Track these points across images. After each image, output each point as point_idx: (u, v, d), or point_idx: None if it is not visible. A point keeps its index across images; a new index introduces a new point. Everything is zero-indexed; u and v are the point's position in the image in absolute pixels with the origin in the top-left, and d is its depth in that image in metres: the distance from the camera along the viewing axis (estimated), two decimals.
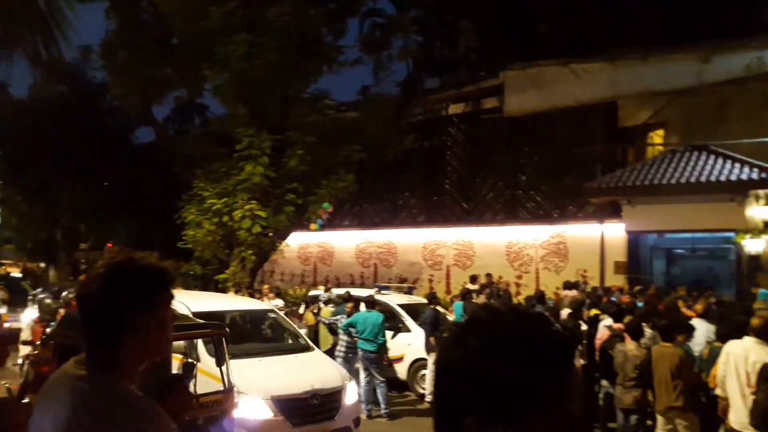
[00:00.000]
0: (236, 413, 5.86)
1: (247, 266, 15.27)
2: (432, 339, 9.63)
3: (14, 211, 25.88)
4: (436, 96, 19.75)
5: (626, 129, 16.90)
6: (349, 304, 10.14)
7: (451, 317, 11.30)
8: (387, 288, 14.50)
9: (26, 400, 4.70)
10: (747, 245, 12.89)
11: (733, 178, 13.01)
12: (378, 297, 10.75)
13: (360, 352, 9.49)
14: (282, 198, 14.91)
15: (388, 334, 10.13)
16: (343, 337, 9.82)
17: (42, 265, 28.15)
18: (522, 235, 17.63)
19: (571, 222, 16.77)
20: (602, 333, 8.20)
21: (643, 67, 14.57)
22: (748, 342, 5.80)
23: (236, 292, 13.27)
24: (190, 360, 5.99)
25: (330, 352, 9.63)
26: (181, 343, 6.34)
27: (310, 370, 7.56)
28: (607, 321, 8.44)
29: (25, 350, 8.90)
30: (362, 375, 9.45)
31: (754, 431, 5.57)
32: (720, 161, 13.67)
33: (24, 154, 23.23)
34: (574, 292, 12.08)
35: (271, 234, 15.63)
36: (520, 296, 16.18)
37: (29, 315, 12.04)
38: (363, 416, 8.58)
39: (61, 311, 8.64)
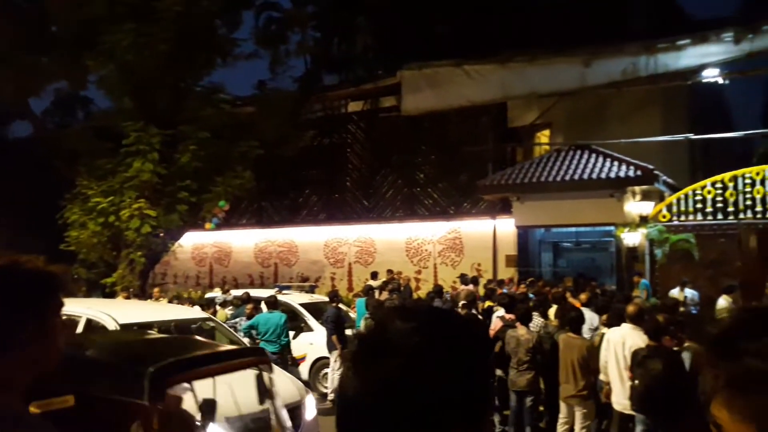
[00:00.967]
0: None
1: (137, 269, 14.49)
2: (334, 337, 9.59)
3: None
4: (336, 93, 19.71)
5: (515, 129, 17.76)
6: (249, 306, 9.87)
7: (353, 315, 11.32)
8: (288, 288, 14.28)
9: None
10: (625, 238, 13.90)
11: (612, 175, 13.98)
12: (279, 297, 10.55)
13: None
14: (174, 196, 14.28)
15: (290, 334, 9.98)
16: (244, 340, 9.54)
17: None
18: (420, 231, 18.01)
19: (466, 218, 17.34)
20: (495, 323, 8.52)
21: (530, 69, 15.30)
22: (626, 329, 6.24)
23: (125, 297, 12.54)
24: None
25: None
26: None
27: None
28: (499, 312, 8.78)
29: None
30: None
31: (628, 410, 6.02)
32: (601, 160, 14.65)
33: None
34: (470, 287, 12.46)
35: (162, 234, 14.94)
36: (420, 291, 16.55)
37: None
38: None
39: None
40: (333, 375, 9.51)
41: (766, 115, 20.97)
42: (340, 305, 10.78)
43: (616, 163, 14.29)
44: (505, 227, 16.26)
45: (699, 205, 13.81)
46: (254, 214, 21.11)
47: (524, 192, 15.05)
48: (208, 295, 13.90)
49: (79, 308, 6.89)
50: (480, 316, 9.20)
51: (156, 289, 14.24)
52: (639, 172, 13.75)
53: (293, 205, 20.42)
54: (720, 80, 15.16)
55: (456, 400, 0.83)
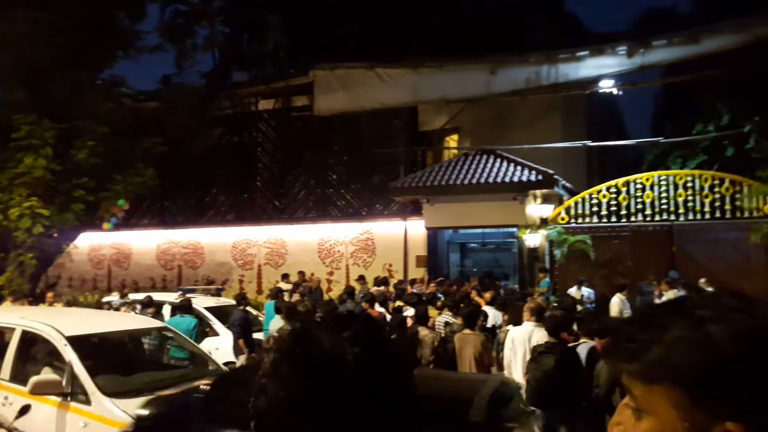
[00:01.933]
0: None
1: (27, 271, 13.50)
2: (241, 341, 9.35)
3: None
4: (246, 90, 19.26)
5: (426, 133, 18.12)
6: (150, 310, 9.44)
7: (262, 318, 11.09)
8: (193, 291, 13.77)
9: None
10: (527, 239, 14.51)
11: (515, 179, 14.55)
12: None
13: (171, 361, 8.86)
14: (69, 194, 13.42)
15: None
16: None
17: None
18: (333, 232, 17.95)
19: (378, 219, 17.47)
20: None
21: (440, 75, 15.65)
22: (529, 326, 6.50)
23: (14, 301, 11.62)
24: None
25: None
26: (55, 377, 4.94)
27: None
28: (409, 311, 8.91)
29: None
30: None
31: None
32: (505, 164, 15.21)
33: None
34: (382, 288, 12.56)
35: (55, 235, 13.98)
36: (332, 292, 16.48)
37: None
38: None
39: None
40: None
41: (655, 125, 22.58)
42: (248, 308, 10.54)
43: (519, 167, 14.89)
44: (416, 228, 16.52)
45: (595, 208, 14.64)
46: (157, 213, 20.21)
47: (434, 194, 15.36)
48: (105, 299, 13.16)
49: (11, 318, 5.92)
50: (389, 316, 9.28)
51: (50, 293, 13.32)
52: (540, 177, 14.39)
53: (199, 205, 19.72)
54: (614, 91, 16.17)
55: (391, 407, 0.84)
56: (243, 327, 9.38)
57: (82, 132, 13.55)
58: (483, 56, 15.20)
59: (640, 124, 44.92)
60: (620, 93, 16.95)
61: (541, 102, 16.29)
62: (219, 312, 10.93)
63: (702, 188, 13.84)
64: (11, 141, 13.01)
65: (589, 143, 16.76)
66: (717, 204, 13.65)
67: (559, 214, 14.89)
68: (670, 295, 11.31)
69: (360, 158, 17.59)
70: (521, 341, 6.40)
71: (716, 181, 13.81)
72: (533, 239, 14.40)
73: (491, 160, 15.57)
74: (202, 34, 18.49)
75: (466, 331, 6.86)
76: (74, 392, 4.93)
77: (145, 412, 4.69)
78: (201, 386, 5.34)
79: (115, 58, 15.20)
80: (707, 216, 13.71)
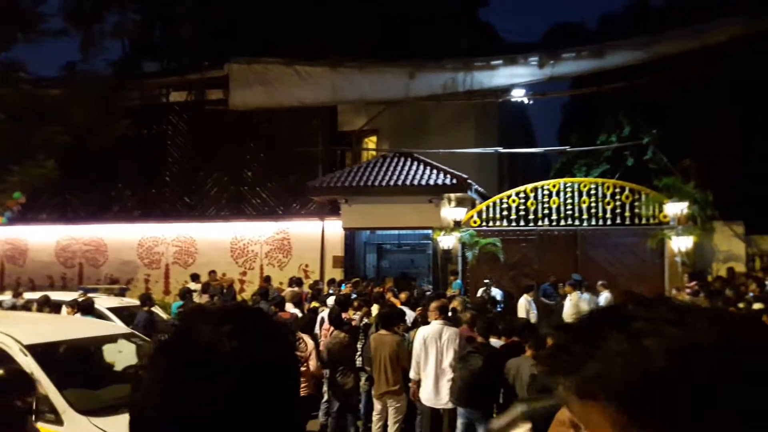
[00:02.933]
0: None
1: None
2: None
3: None
4: (157, 81, 18.45)
5: (345, 133, 18.10)
6: (47, 310, 8.83)
7: (168, 319, 10.66)
8: (95, 290, 13.03)
9: None
10: (441, 241, 14.81)
11: (431, 182, 14.82)
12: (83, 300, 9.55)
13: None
14: None
15: None
16: None
17: None
18: (247, 231, 17.54)
19: (295, 219, 17.25)
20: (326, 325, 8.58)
21: (359, 76, 15.69)
22: (437, 325, 6.61)
23: None
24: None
25: None
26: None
27: None
28: (325, 312, 8.86)
29: None
30: None
31: (445, 404, 6.37)
32: (422, 167, 15.46)
33: None
34: (296, 289, 12.41)
35: None
36: (244, 293, 16.10)
37: None
38: None
39: None
40: None
41: (562, 134, 23.71)
42: (154, 309, 10.10)
43: (435, 171, 15.18)
44: (333, 229, 16.46)
45: (505, 213, 15.16)
46: (57, 208, 18.95)
47: (352, 195, 15.37)
48: None
49: None
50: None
51: None
52: (455, 181, 14.73)
53: (103, 200, 18.65)
54: (525, 100, 16.85)
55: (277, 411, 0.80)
56: (148, 329, 8.96)
57: None
58: (402, 60, 15.38)
59: (548, 133, 47.00)
60: (531, 102, 17.67)
61: (456, 108, 16.70)
62: (122, 313, 10.37)
63: (604, 195, 14.66)
64: None
65: (501, 150, 17.36)
66: (618, 211, 14.50)
67: (472, 217, 15.31)
68: (573, 297, 11.90)
69: (277, 156, 17.30)
70: (432, 340, 6.47)
71: (617, 190, 14.68)
72: (447, 241, 14.72)
73: (409, 163, 15.77)
74: (111, 20, 17.54)
75: (383, 331, 6.89)
76: (39, 410, 4.12)
77: None
78: None
79: (12, 40, 14.15)
80: (608, 222, 14.54)
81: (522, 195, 15.15)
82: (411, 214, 14.96)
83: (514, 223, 15.05)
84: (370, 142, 18.59)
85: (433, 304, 6.89)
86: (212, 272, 15.39)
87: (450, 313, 8.16)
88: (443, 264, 15.20)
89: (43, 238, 18.76)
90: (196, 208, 18.21)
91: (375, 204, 15.16)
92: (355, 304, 9.03)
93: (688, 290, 11.81)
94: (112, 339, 6.17)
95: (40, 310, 9.07)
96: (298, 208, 17.37)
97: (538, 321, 11.20)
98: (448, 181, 14.74)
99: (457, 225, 14.98)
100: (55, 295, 10.18)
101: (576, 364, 0.70)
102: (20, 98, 13.44)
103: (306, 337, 7.34)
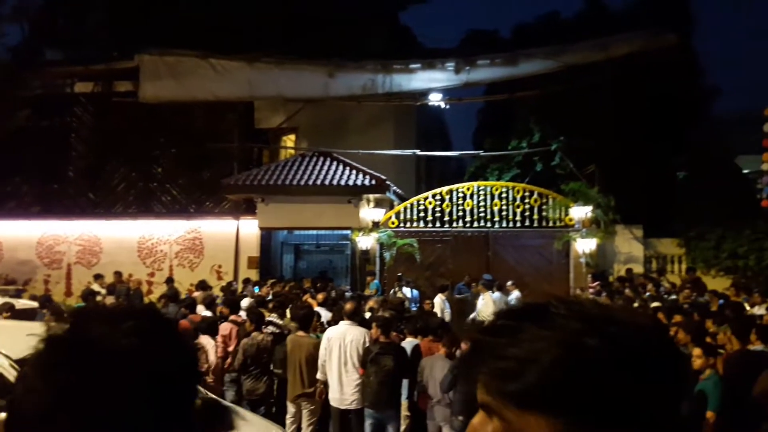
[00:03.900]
0: None
1: None
2: None
3: None
4: (60, 70, 17.33)
5: (262, 130, 17.74)
6: None
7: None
8: None
9: None
10: (360, 242, 14.84)
11: (350, 183, 14.82)
12: None
13: None
14: None
15: None
16: None
17: None
18: (156, 229, 16.81)
19: (208, 217, 16.73)
20: (226, 329, 8.36)
21: (278, 72, 15.45)
22: (344, 326, 6.60)
23: None
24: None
25: None
26: None
27: None
28: (243, 314, 8.64)
29: None
30: None
31: (350, 405, 6.34)
32: (341, 167, 15.44)
33: None
34: (210, 292, 12.04)
35: None
36: (152, 295, 15.43)
37: None
38: None
39: None
40: None
41: (476, 139, 24.36)
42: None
43: (354, 171, 15.19)
44: (249, 228, 16.10)
45: (422, 214, 15.41)
46: None
47: (269, 194, 15.10)
48: None
49: None
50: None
51: None
52: (374, 182, 14.81)
53: None
54: (442, 104, 17.20)
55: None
56: None
57: None
58: (322, 58, 15.29)
59: (464, 137, 48.21)
60: (447, 107, 18.06)
61: (375, 109, 16.80)
62: (19, 316, 9.68)
63: (515, 199, 15.21)
64: None
65: (419, 152, 17.63)
66: (527, 214, 15.09)
67: (390, 218, 15.45)
68: (486, 296, 12.26)
69: (190, 152, 16.71)
70: (336, 340, 6.43)
71: (527, 193, 15.27)
72: (365, 242, 14.77)
73: (328, 163, 15.70)
74: (9, 3, 16.33)
75: (300, 333, 6.80)
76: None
77: None
78: None
79: None
80: (518, 224, 15.10)
81: (438, 197, 15.45)
82: (329, 214, 14.90)
83: (430, 225, 15.32)
84: (289, 140, 18.34)
85: (346, 306, 6.90)
86: (118, 273, 14.68)
87: (369, 314, 8.20)
88: (361, 264, 15.24)
89: None
90: (102, 205, 17.28)
91: (293, 203, 14.97)
92: (271, 305, 8.86)
93: (591, 290, 12.46)
94: None
95: None
96: (212, 207, 16.86)
97: (451, 320, 11.46)
98: (367, 182, 14.80)
99: (376, 226, 15.06)
100: None
101: (515, 372, 0.67)
102: None
103: (205, 339, 7.14)
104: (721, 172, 16.46)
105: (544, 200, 15.12)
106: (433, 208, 15.37)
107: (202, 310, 9.14)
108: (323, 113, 16.86)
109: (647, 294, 11.13)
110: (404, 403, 6.63)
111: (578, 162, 16.23)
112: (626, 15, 17.91)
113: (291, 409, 6.81)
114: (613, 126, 16.28)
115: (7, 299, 9.94)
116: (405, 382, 6.39)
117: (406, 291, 12.97)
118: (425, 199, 15.53)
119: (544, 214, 15.05)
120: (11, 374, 4.15)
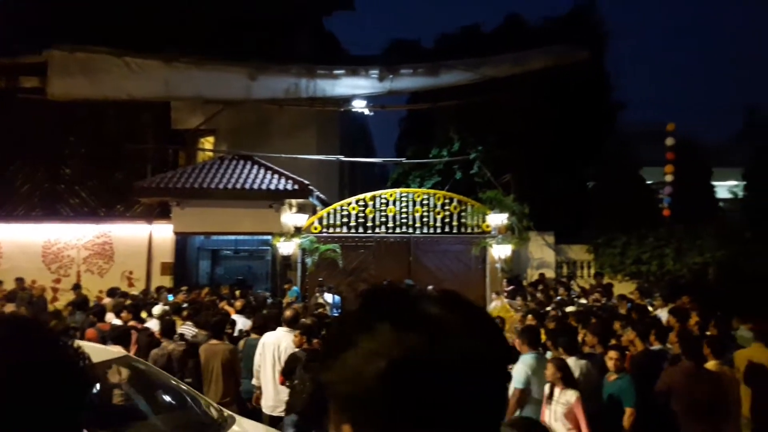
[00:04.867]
0: None
1: None
2: None
3: None
4: None
5: (179, 131, 17.14)
6: None
7: None
8: None
9: None
10: (281, 247, 14.62)
11: (272, 187, 14.59)
12: None
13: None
14: None
15: None
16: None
17: None
18: (62, 234, 15.89)
19: (119, 221, 15.99)
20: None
21: (196, 72, 14.98)
22: (280, 332, 6.54)
23: None
24: None
25: None
26: None
27: None
28: (152, 323, 8.31)
29: None
30: None
31: (282, 413, 6.25)
32: (262, 171, 15.18)
33: None
34: (120, 299, 11.47)
35: None
36: (58, 302, 14.54)
37: None
38: None
39: None
40: None
41: (399, 146, 24.61)
42: None
43: (276, 175, 14.98)
44: (163, 233, 15.51)
45: (345, 219, 15.40)
46: None
47: (185, 197, 14.62)
48: None
49: None
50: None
51: None
52: (296, 186, 14.66)
53: None
54: (366, 111, 17.28)
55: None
56: None
57: None
58: (244, 60, 14.98)
59: (387, 143, 48.75)
60: (371, 114, 18.16)
61: (299, 113, 16.63)
62: None
63: (435, 206, 15.50)
64: None
65: (342, 158, 17.60)
66: (447, 220, 15.41)
67: (313, 223, 15.33)
68: None
69: (101, 152, 15.92)
70: (270, 345, 6.42)
71: (447, 200, 15.59)
72: (287, 247, 14.57)
73: (248, 166, 15.39)
74: None
75: (213, 341, 6.60)
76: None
77: None
78: None
79: None
80: (438, 230, 15.39)
81: (361, 203, 15.49)
82: (249, 219, 14.61)
83: (353, 230, 15.33)
84: (207, 142, 17.82)
85: (286, 312, 6.90)
86: (20, 279, 13.76)
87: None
88: (282, 270, 15.02)
89: None
90: (3, 207, 16.15)
91: (210, 207, 14.57)
92: (185, 313, 8.55)
93: (505, 294, 12.86)
94: (107, 365, 4.88)
95: None
96: (123, 210, 16.13)
97: None
98: (289, 187, 14.63)
99: (298, 231, 14.90)
100: None
101: (332, 370, 0.70)
102: None
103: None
104: (627, 183, 17.46)
105: (463, 207, 15.49)
106: (357, 214, 15.39)
107: (111, 318, 8.70)
108: (244, 116, 16.53)
109: (558, 297, 11.61)
110: None
111: (495, 171, 16.74)
112: (543, 31, 18.67)
113: None
114: (529, 137, 16.91)
115: None
116: None
117: (328, 297, 12.87)
118: (348, 204, 15.53)
119: (463, 220, 15.41)
120: None
